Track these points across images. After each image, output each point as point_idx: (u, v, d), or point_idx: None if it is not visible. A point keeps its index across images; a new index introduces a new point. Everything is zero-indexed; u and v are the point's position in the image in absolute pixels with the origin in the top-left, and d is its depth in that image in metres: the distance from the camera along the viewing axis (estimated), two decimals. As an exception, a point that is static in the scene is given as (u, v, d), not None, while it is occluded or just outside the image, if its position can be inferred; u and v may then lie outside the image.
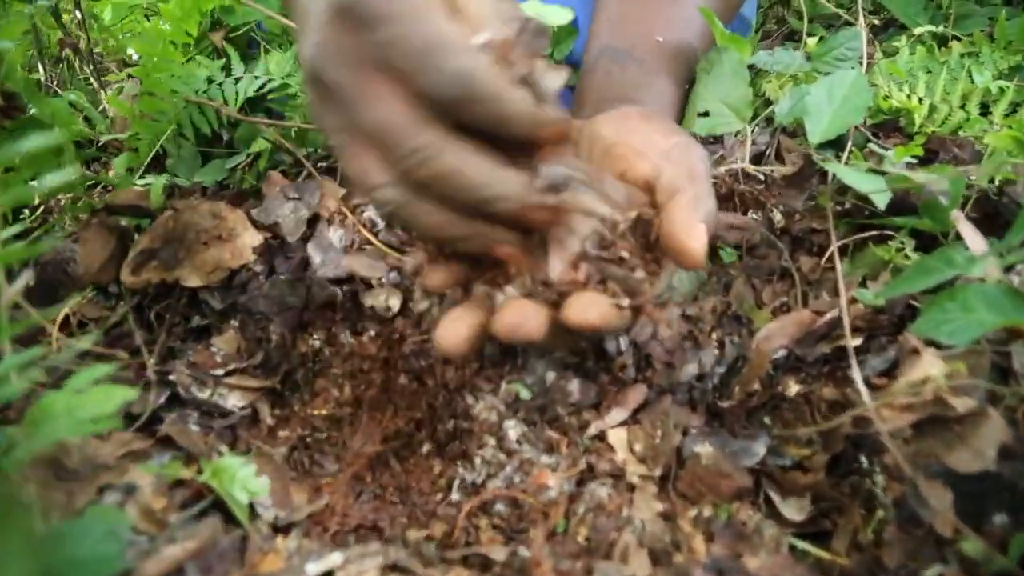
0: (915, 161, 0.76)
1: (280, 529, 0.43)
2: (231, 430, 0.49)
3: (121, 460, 0.42)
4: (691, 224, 0.40)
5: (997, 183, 0.60)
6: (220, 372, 0.50)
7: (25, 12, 0.55)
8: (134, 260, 0.53)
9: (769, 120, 0.69)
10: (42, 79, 0.78)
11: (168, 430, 0.45)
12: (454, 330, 0.39)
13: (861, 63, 0.67)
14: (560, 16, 0.58)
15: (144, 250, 0.53)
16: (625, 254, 0.40)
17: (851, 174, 0.52)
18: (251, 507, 0.43)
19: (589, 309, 0.37)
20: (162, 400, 0.48)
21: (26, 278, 0.28)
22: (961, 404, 0.40)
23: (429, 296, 0.56)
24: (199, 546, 0.38)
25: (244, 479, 0.41)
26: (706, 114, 0.63)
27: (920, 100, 0.78)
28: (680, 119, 0.64)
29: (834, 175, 0.58)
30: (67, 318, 0.53)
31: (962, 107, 0.78)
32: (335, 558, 0.38)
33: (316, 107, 0.38)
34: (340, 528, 0.44)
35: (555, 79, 0.37)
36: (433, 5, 0.35)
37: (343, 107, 0.36)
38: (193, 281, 0.53)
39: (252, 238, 0.55)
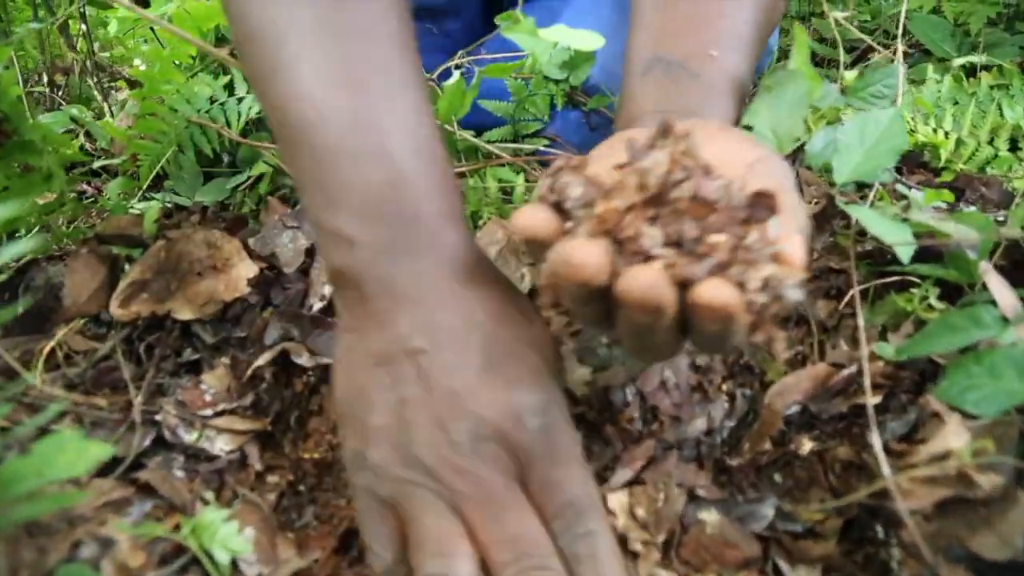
0: (943, 204, 0.74)
1: (261, 587, 0.41)
2: (218, 475, 0.47)
3: (99, 511, 0.40)
4: (790, 233, 0.35)
5: (1026, 231, 0.57)
6: (209, 412, 0.49)
7: (20, 32, 0.53)
8: (124, 291, 0.51)
9: (795, 151, 0.67)
10: (46, 91, 0.77)
11: (149, 478, 0.43)
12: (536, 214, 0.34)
13: (896, 101, 0.64)
14: (591, 42, 0.55)
15: (135, 281, 0.52)
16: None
17: (876, 221, 0.49)
18: (234, 563, 0.41)
19: (725, 288, 0.31)
20: (147, 443, 0.46)
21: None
22: (987, 482, 0.38)
23: None
24: (175, 609, 0.37)
25: (225, 537, 0.39)
26: (749, 128, 0.60)
27: (947, 134, 0.75)
28: None
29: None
30: (53, 350, 0.51)
31: (990, 142, 0.75)
32: (315, 628, 0.36)
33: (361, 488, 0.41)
34: (326, 586, 0.42)
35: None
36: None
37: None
38: (185, 314, 0.51)
39: (248, 269, 0.54)
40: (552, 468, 0.40)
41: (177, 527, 0.40)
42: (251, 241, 0.57)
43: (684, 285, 0.32)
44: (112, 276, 0.54)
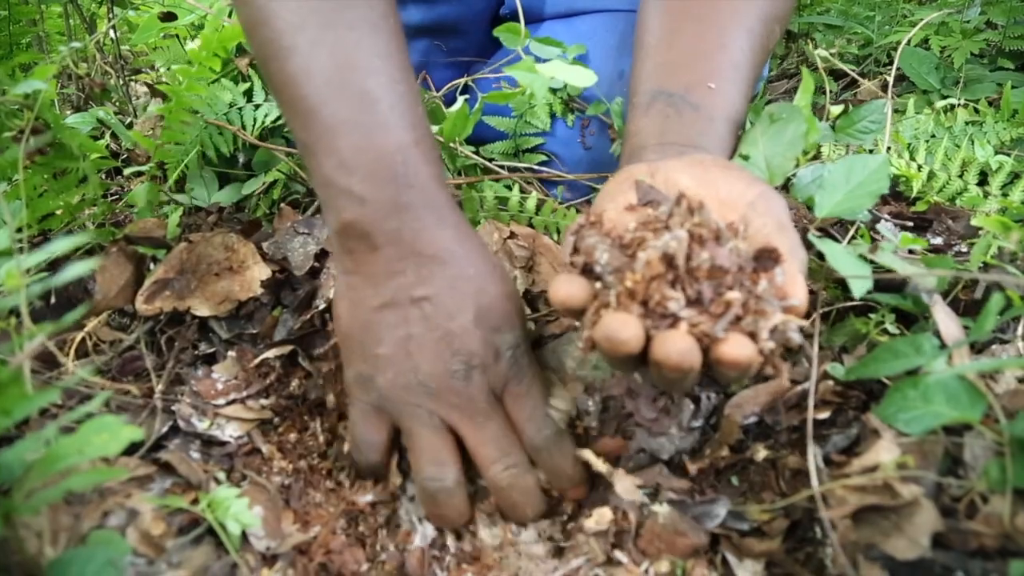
0: (910, 225, 0.78)
1: (268, 559, 0.46)
2: (229, 458, 0.52)
3: (125, 485, 0.45)
4: (793, 274, 0.41)
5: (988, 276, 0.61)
6: (221, 401, 0.54)
7: (64, 51, 0.58)
8: (148, 289, 0.57)
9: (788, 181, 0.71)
10: (72, 91, 0.82)
11: (169, 458, 0.48)
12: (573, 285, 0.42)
13: (882, 140, 0.68)
14: (584, 79, 0.60)
15: (158, 280, 0.57)
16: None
17: (839, 256, 0.54)
18: (244, 535, 0.46)
19: (746, 346, 0.38)
20: (165, 428, 0.51)
21: (39, 341, 0.31)
22: (908, 492, 0.43)
23: None
24: (192, 572, 0.42)
25: (237, 512, 0.44)
26: (746, 157, 0.64)
27: (920, 167, 0.80)
28: None
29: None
30: (84, 340, 0.56)
31: (960, 176, 0.80)
32: (313, 595, 0.41)
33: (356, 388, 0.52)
34: (325, 561, 0.47)
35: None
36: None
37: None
38: (203, 311, 0.57)
39: (261, 271, 0.59)
40: (517, 388, 0.51)
41: (195, 501, 0.45)
42: (265, 245, 0.62)
43: (704, 339, 0.39)
44: (138, 273, 0.60)
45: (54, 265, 0.62)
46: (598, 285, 0.42)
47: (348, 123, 0.50)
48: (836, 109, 0.81)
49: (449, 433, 0.51)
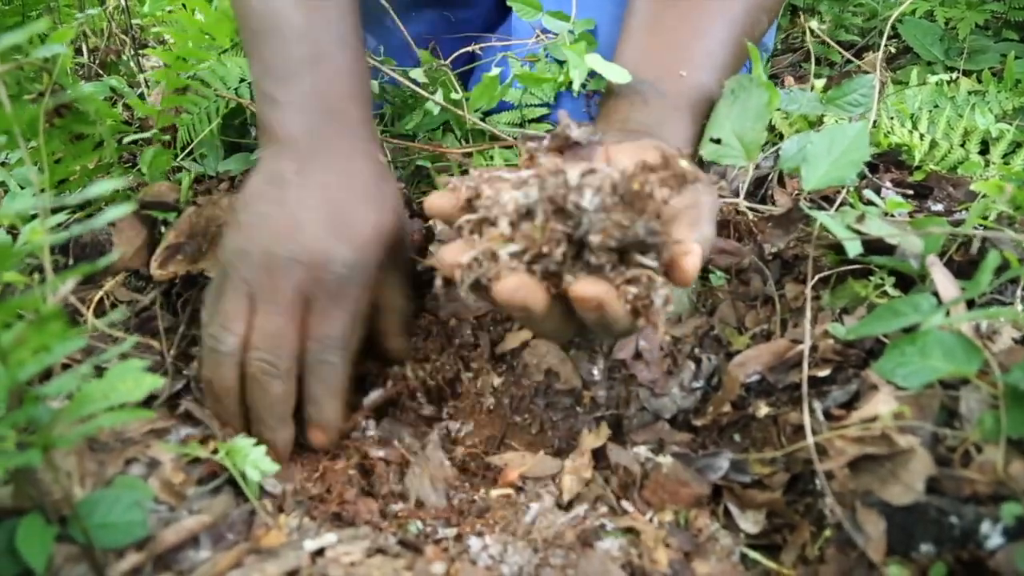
0: (911, 193, 0.79)
1: (284, 507, 0.48)
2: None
3: (146, 436, 0.47)
4: (687, 241, 0.43)
5: (982, 232, 0.63)
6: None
7: (81, 18, 0.59)
8: (162, 254, 0.58)
9: (777, 152, 0.72)
10: (85, 61, 0.83)
11: (189, 406, 0.50)
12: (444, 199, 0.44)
13: (870, 112, 0.69)
14: (621, 76, 0.61)
15: (171, 245, 0.58)
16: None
17: (830, 220, 0.55)
18: (260, 485, 0.48)
19: (595, 285, 0.40)
20: (179, 387, 0.53)
21: (72, 283, 0.32)
22: (905, 442, 0.44)
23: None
24: (212, 519, 0.43)
25: (256, 459, 0.46)
26: (718, 141, 0.65)
27: (922, 136, 0.80)
28: (695, 153, 0.67)
29: (823, 211, 0.61)
30: (102, 299, 0.58)
31: (962, 145, 0.81)
32: (330, 538, 0.42)
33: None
34: (339, 510, 0.49)
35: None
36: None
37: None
38: (215, 272, 0.58)
39: None
40: (329, 307, 0.52)
41: (214, 451, 0.47)
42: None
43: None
44: (152, 236, 0.61)
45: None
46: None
47: (275, 36, 0.57)
48: (819, 83, 0.82)
49: (248, 311, 0.52)
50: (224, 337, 0.51)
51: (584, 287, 0.40)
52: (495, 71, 0.72)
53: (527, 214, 0.41)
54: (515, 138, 0.81)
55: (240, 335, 0.51)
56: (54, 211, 0.49)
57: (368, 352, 0.58)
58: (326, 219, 0.53)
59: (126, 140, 0.67)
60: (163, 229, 0.63)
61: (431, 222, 0.65)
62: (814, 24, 0.71)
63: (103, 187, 0.38)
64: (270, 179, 0.55)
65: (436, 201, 0.45)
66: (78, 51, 0.89)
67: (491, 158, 0.75)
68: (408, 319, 0.59)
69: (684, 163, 0.43)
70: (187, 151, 0.71)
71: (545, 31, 0.79)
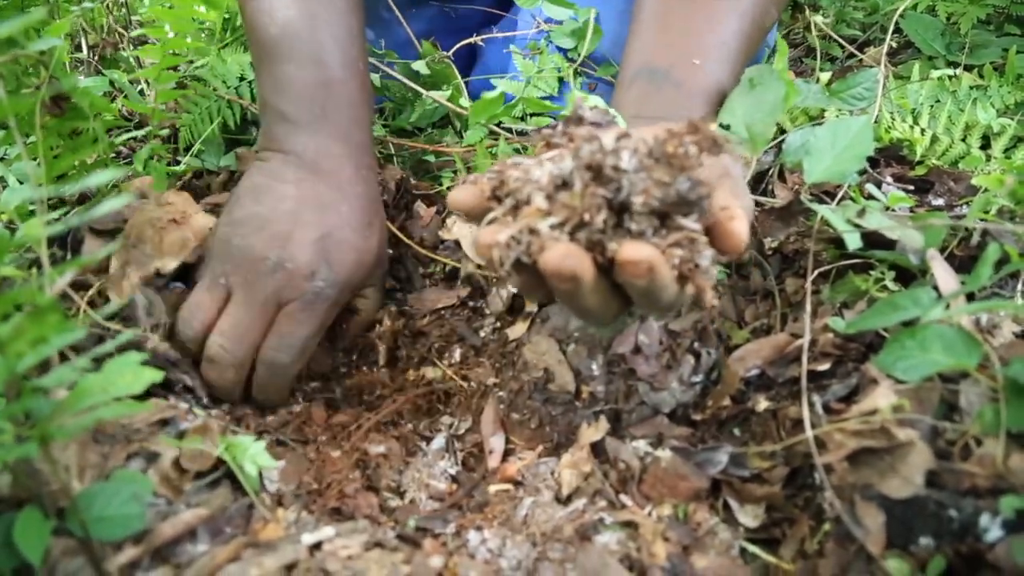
0: (912, 188, 0.79)
1: (283, 501, 0.48)
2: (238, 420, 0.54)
3: (152, 427, 0.47)
4: (733, 207, 0.41)
5: (982, 224, 0.62)
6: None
7: (76, 11, 0.59)
8: (117, 274, 0.58)
9: (778, 146, 0.72)
10: (84, 56, 0.83)
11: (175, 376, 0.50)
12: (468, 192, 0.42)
13: (873, 107, 0.68)
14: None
15: (120, 260, 0.59)
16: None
17: (830, 213, 0.55)
18: (260, 481, 0.48)
19: (644, 247, 0.37)
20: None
21: (71, 275, 0.32)
22: (903, 434, 0.44)
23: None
24: (211, 512, 0.43)
25: (255, 454, 0.46)
26: (727, 127, 0.65)
27: (923, 131, 0.80)
28: None
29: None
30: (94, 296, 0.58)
31: (963, 140, 0.80)
32: (328, 532, 0.42)
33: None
34: (339, 504, 0.49)
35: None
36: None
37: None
38: (170, 265, 0.59)
39: (205, 219, 0.63)
40: (298, 312, 0.56)
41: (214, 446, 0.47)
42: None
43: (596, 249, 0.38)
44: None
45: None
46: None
47: (286, 56, 0.59)
48: (824, 76, 0.81)
49: (222, 300, 0.56)
50: (189, 322, 0.55)
51: (633, 249, 0.37)
52: (497, 92, 0.72)
53: (563, 185, 0.39)
54: (517, 132, 0.81)
55: (205, 324, 0.55)
56: (51, 206, 0.49)
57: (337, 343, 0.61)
58: (318, 238, 0.56)
59: (124, 136, 0.67)
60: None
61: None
62: (819, 19, 0.71)
63: (99, 179, 0.38)
64: (271, 179, 0.57)
65: (459, 195, 0.42)
66: (77, 47, 0.89)
67: (494, 155, 0.75)
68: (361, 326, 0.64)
69: (715, 127, 0.41)
70: (189, 151, 0.71)
71: (548, 21, 0.79)
